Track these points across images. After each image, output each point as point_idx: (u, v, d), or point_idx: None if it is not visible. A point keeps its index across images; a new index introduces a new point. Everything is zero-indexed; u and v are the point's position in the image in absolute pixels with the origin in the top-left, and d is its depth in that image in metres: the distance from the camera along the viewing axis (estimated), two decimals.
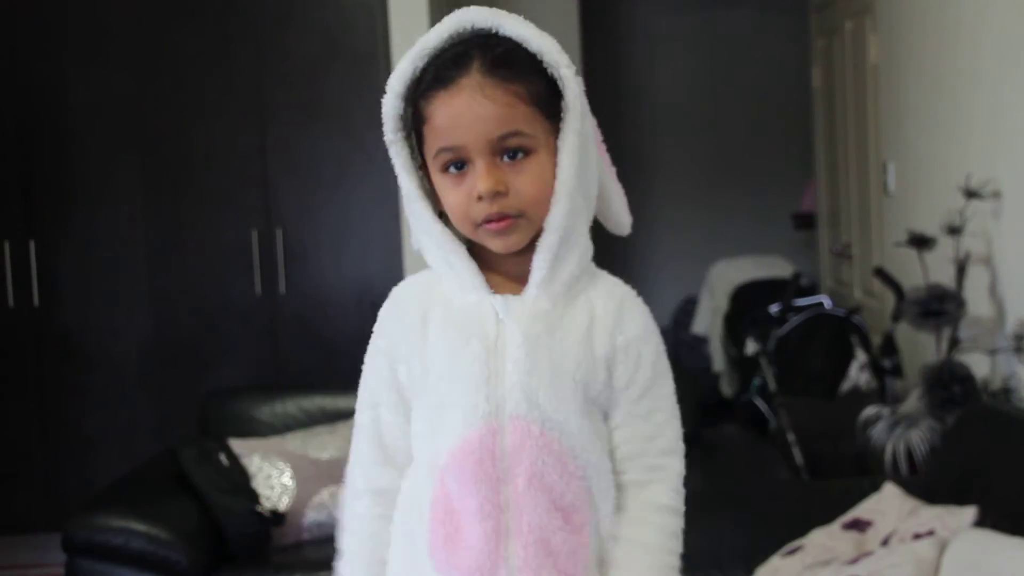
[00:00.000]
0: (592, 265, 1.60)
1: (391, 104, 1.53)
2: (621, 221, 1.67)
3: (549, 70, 1.51)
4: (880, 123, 5.00)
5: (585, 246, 1.57)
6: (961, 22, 3.94)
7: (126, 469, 4.06)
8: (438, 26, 1.53)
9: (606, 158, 1.63)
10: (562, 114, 1.51)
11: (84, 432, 4.99)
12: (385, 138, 1.55)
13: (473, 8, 1.52)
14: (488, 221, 1.50)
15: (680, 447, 1.62)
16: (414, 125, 1.53)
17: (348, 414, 4.04)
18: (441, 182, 1.52)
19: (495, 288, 1.55)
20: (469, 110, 1.47)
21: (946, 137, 4.12)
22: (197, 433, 4.07)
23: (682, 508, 1.61)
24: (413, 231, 1.59)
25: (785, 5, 7.62)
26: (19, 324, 4.98)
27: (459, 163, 1.50)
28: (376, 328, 1.62)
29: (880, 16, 4.93)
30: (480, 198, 1.48)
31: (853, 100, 5.49)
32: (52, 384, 5.00)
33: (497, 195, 1.48)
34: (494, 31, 1.51)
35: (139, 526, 3.44)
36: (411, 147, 1.56)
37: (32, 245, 4.96)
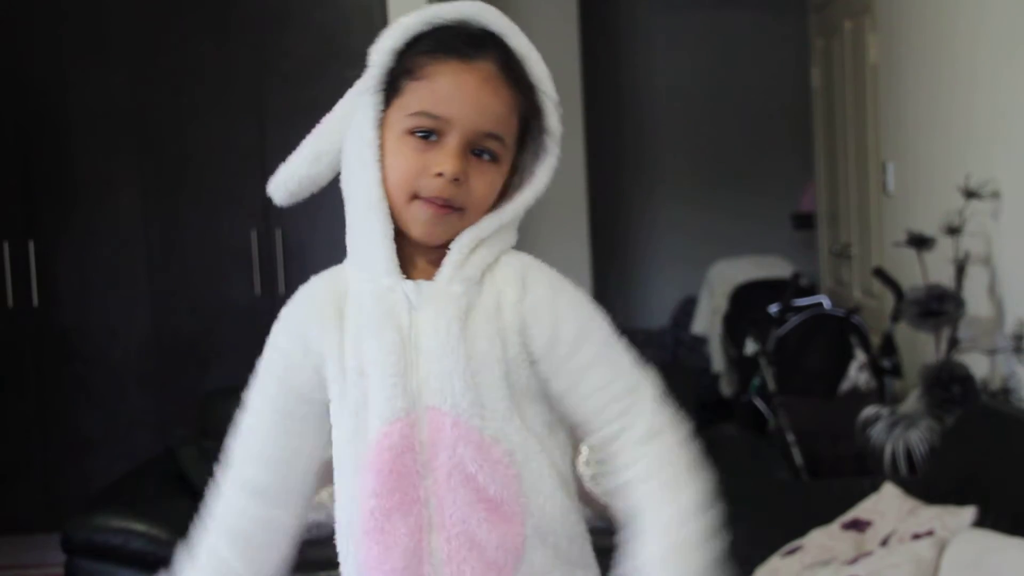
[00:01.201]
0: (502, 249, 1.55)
1: (386, 56, 1.50)
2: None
3: (540, 97, 1.51)
4: (879, 123, 5.00)
5: (509, 241, 1.54)
6: (960, 22, 3.94)
7: (126, 469, 4.06)
8: (450, 5, 1.51)
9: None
10: (544, 139, 1.52)
11: (84, 432, 4.98)
12: (366, 86, 1.52)
13: (487, 7, 1.51)
14: (430, 199, 1.46)
15: (640, 374, 1.52)
16: (396, 78, 1.50)
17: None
18: (399, 143, 1.48)
19: (407, 274, 1.51)
20: (476, 92, 1.46)
21: (945, 137, 4.12)
22: (197, 433, 4.07)
23: (672, 423, 1.51)
24: (348, 190, 1.55)
25: (785, 5, 7.62)
26: (19, 324, 4.98)
27: (428, 133, 1.47)
28: (280, 328, 1.60)
29: (880, 16, 4.93)
30: (439, 175, 1.46)
31: (852, 100, 5.49)
32: (52, 384, 4.99)
33: (455, 181, 1.46)
34: (502, 37, 1.50)
35: (138, 526, 3.45)
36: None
37: (31, 245, 4.96)
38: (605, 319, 1.53)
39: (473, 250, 1.49)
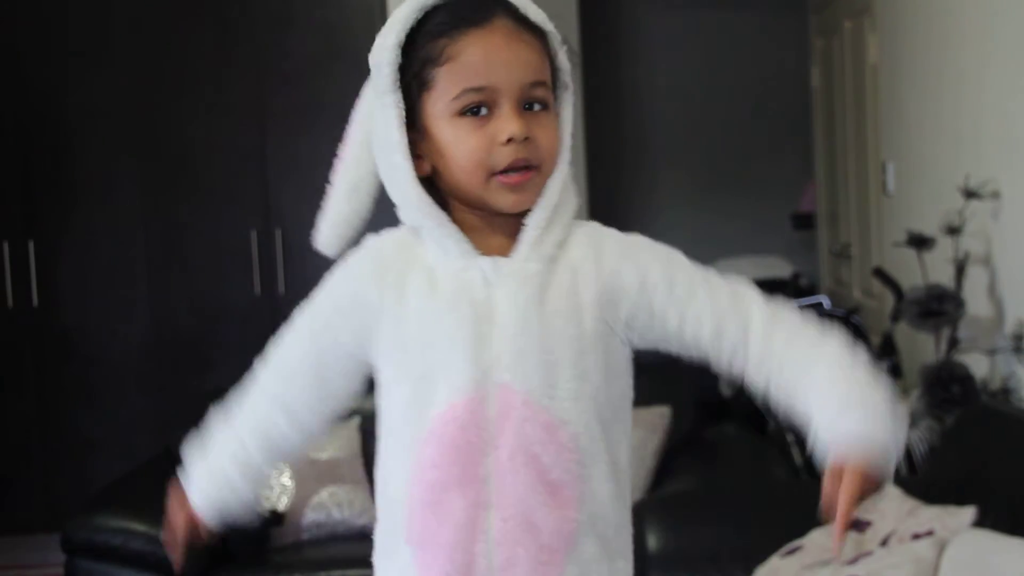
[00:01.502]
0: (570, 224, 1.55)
1: (392, 53, 1.48)
2: None
3: (551, 45, 1.52)
4: (879, 123, 5.00)
5: (575, 209, 1.54)
6: (960, 22, 3.94)
7: (126, 469, 4.07)
8: None
9: None
10: (558, 84, 1.53)
11: (84, 432, 4.99)
12: (378, 90, 1.50)
13: None
14: (509, 170, 1.45)
15: (733, 280, 1.54)
16: (418, 72, 1.48)
17: (347, 414, 4.04)
18: (454, 128, 1.46)
19: (481, 248, 1.49)
20: (507, 49, 1.45)
21: (945, 137, 4.12)
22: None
23: (784, 304, 1.51)
24: (395, 199, 1.53)
25: (785, 5, 7.62)
26: (18, 324, 4.98)
27: (478, 108, 1.46)
28: (340, 273, 1.57)
29: (879, 16, 4.93)
30: (509, 141, 1.44)
31: (852, 100, 5.49)
32: (52, 384, 5.00)
33: (527, 140, 1.45)
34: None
35: (138, 526, 3.45)
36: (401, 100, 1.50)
37: (31, 245, 4.96)
38: (678, 250, 1.56)
39: (547, 225, 1.49)
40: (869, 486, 1.41)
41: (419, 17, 1.48)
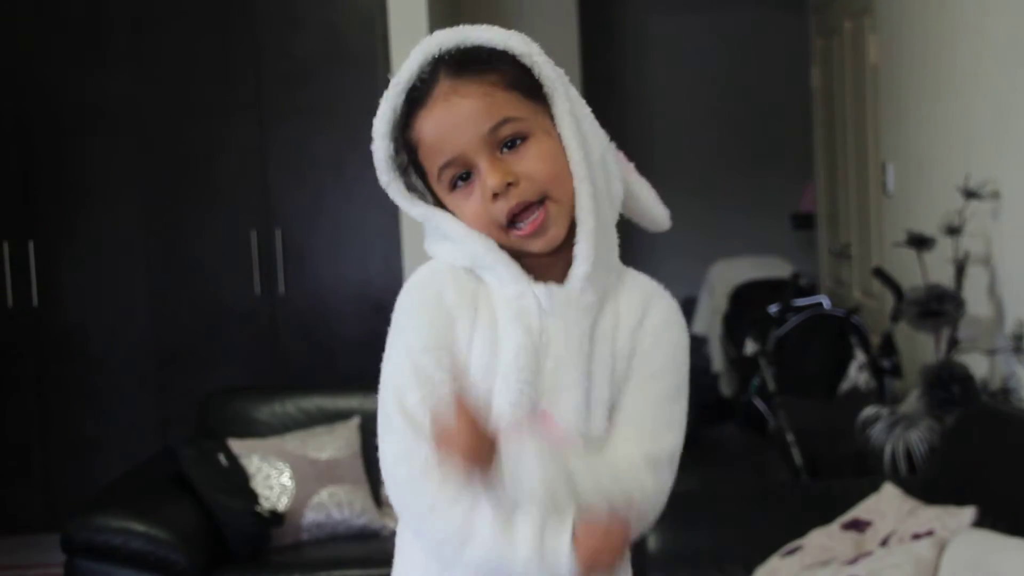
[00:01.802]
0: (619, 263, 1.55)
1: (381, 148, 1.50)
2: (656, 215, 1.60)
3: (521, 60, 1.48)
4: (879, 123, 5.00)
5: (616, 238, 1.52)
6: (960, 22, 3.94)
7: (126, 469, 4.07)
8: (407, 61, 1.50)
9: (621, 155, 1.59)
10: (549, 99, 1.49)
11: (84, 432, 4.99)
12: (381, 181, 1.52)
13: (437, 32, 1.50)
14: (513, 220, 1.45)
15: (679, 426, 1.55)
16: (410, 159, 1.51)
17: (347, 414, 4.05)
18: (453, 201, 1.48)
19: (535, 275, 1.49)
20: (450, 115, 1.45)
21: (945, 137, 4.12)
22: (196, 433, 4.07)
23: (669, 476, 1.51)
24: (437, 247, 1.53)
25: (785, 5, 7.62)
26: (18, 324, 4.98)
27: (464, 175, 1.46)
28: (427, 293, 1.49)
29: (879, 16, 4.93)
30: (495, 196, 1.44)
31: (852, 100, 5.49)
32: (52, 384, 5.00)
33: (509, 186, 1.44)
34: (459, 45, 1.48)
35: (138, 526, 3.45)
36: (407, 182, 1.53)
37: (31, 245, 4.96)
38: (686, 373, 1.57)
39: (595, 252, 1.47)
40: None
41: (398, 106, 1.49)
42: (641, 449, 1.48)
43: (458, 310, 1.47)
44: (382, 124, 1.50)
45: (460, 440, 1.34)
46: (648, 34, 8.13)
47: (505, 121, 1.45)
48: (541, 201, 1.46)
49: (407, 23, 4.65)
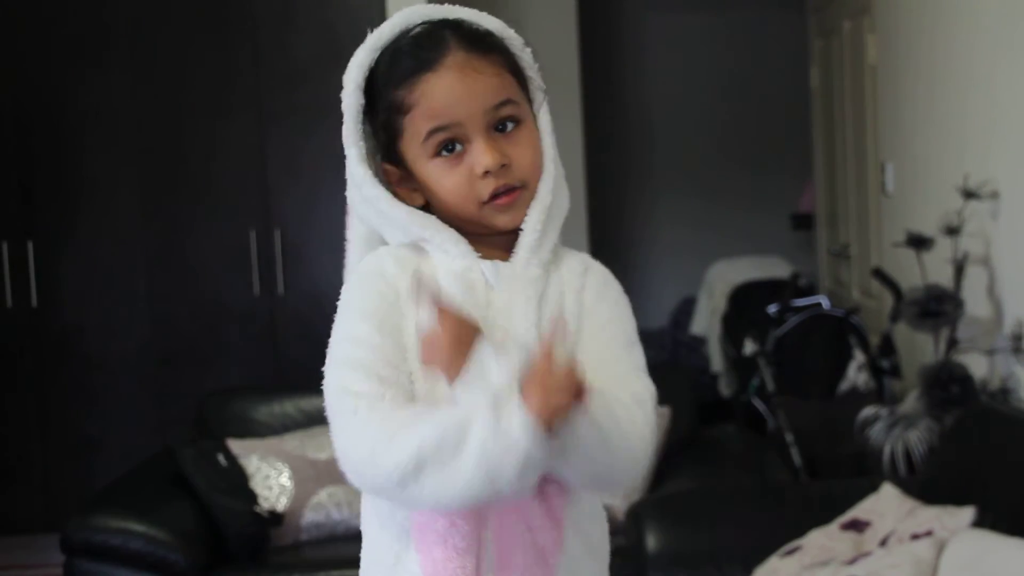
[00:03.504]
0: (559, 245, 1.59)
1: (354, 97, 1.53)
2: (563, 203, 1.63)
3: (514, 50, 1.54)
4: (878, 123, 5.00)
5: (566, 209, 1.57)
6: (959, 23, 3.94)
7: (126, 469, 4.07)
8: (387, 23, 1.54)
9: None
10: (531, 88, 1.55)
11: (84, 432, 4.99)
12: (345, 130, 1.54)
13: (418, 6, 1.54)
14: (495, 196, 1.49)
15: (645, 371, 1.54)
16: (387, 117, 1.51)
17: None
18: (433, 169, 1.50)
19: (480, 253, 1.52)
20: (462, 85, 1.48)
21: (944, 138, 4.12)
22: (195, 433, 4.07)
23: (653, 417, 1.49)
24: (370, 223, 1.55)
25: (784, 5, 7.62)
26: (18, 324, 4.99)
27: (451, 145, 1.49)
28: (379, 272, 1.49)
29: (878, 16, 4.93)
30: (486, 174, 1.48)
31: (851, 100, 5.49)
32: (51, 384, 5.00)
33: (502, 168, 1.48)
34: (465, 22, 1.53)
35: (137, 527, 3.45)
36: (364, 139, 1.54)
37: (31, 245, 4.96)
38: (634, 328, 1.56)
39: (543, 231, 1.52)
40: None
41: (376, 58, 1.53)
42: (623, 390, 1.48)
43: (401, 282, 1.48)
44: (359, 75, 1.53)
45: (446, 335, 1.35)
46: (646, 33, 8.13)
47: (507, 102, 1.50)
48: (520, 187, 1.51)
49: None
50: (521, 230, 1.52)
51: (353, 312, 1.49)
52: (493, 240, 1.54)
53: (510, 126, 1.50)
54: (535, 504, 1.47)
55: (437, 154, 1.49)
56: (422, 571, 1.49)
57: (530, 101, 1.56)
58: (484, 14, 1.55)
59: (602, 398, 1.38)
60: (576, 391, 1.32)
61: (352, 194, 1.56)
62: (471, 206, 1.50)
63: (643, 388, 1.51)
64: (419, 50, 1.50)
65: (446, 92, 1.48)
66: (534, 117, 1.55)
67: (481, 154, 1.48)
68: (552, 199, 1.53)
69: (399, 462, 1.36)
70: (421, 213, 1.52)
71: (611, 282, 1.59)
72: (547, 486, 1.47)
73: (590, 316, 1.53)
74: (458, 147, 1.49)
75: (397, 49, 1.52)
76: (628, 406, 1.46)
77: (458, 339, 1.35)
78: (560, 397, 1.31)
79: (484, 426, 1.32)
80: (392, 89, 1.50)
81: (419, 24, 1.53)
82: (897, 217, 4.69)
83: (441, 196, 1.51)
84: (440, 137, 1.48)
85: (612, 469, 1.43)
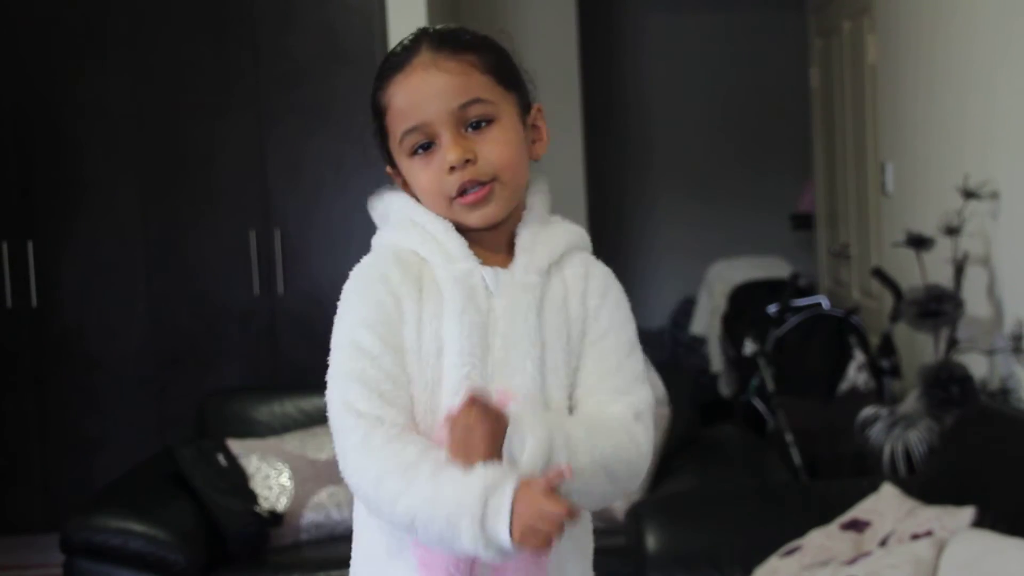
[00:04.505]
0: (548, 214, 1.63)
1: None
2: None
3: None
4: (878, 123, 5.00)
5: (548, 204, 1.61)
6: (959, 23, 3.94)
7: (126, 469, 4.07)
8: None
9: None
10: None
11: (84, 432, 4.99)
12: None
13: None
14: (462, 193, 1.53)
15: (645, 379, 1.59)
16: (377, 122, 1.59)
17: None
18: (410, 167, 1.56)
19: (481, 259, 1.56)
20: (426, 84, 1.52)
21: (944, 138, 4.12)
22: (195, 433, 4.07)
23: (652, 428, 1.55)
24: (382, 232, 1.62)
25: (784, 6, 7.62)
26: (17, 325, 4.98)
27: (425, 144, 1.53)
28: (377, 277, 1.54)
29: (878, 16, 4.93)
30: (452, 169, 1.51)
31: (851, 100, 5.49)
32: (51, 384, 5.00)
33: (467, 163, 1.52)
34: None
35: (137, 527, 3.45)
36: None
37: (30, 245, 4.96)
38: (634, 330, 1.61)
39: (536, 236, 1.56)
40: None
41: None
42: (623, 404, 1.53)
43: (403, 288, 1.53)
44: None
45: (479, 435, 1.39)
46: (646, 33, 8.13)
47: (475, 101, 1.53)
48: (490, 181, 1.54)
49: (405, 23, 4.65)
50: (516, 234, 1.56)
51: (355, 318, 1.54)
52: (494, 245, 1.57)
53: (483, 124, 1.54)
54: None
55: (414, 153, 1.55)
56: (418, 563, 1.51)
57: (522, 103, 1.59)
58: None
59: (602, 436, 1.47)
60: (561, 525, 1.36)
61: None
62: (442, 202, 1.54)
63: (641, 400, 1.56)
64: (394, 55, 1.57)
65: (411, 91, 1.53)
66: (522, 117, 1.58)
67: (447, 149, 1.52)
68: (548, 206, 1.59)
69: (395, 517, 1.43)
70: (435, 215, 1.56)
71: (612, 284, 1.62)
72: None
73: (593, 322, 1.57)
74: (431, 145, 1.54)
75: (385, 59, 1.59)
76: (628, 425, 1.52)
77: (492, 435, 1.40)
78: (546, 525, 1.35)
79: (472, 523, 1.37)
80: (374, 93, 1.57)
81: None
82: (897, 217, 4.69)
83: (419, 194, 1.57)
84: (413, 139, 1.54)
85: (616, 490, 1.52)
